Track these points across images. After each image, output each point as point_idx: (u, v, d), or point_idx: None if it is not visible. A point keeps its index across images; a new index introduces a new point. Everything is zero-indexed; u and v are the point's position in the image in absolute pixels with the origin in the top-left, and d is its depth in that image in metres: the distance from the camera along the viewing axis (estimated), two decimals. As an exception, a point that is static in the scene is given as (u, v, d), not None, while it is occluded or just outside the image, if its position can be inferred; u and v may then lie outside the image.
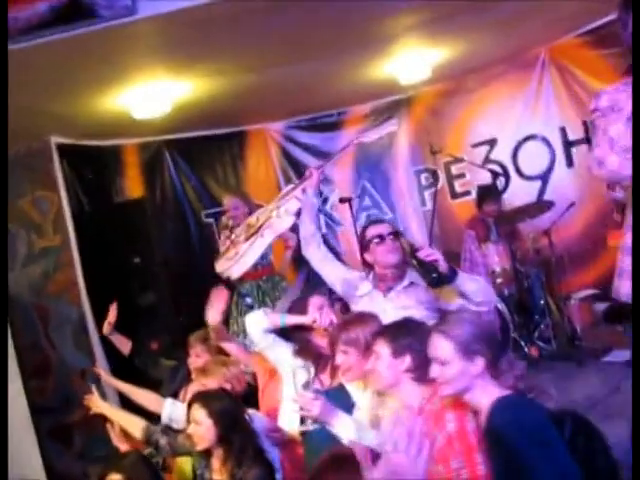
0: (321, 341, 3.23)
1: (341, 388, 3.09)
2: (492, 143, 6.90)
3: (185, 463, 3.50)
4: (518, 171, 6.80)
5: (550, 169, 6.66)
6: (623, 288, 2.52)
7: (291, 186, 3.98)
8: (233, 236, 4.21)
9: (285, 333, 3.36)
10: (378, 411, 2.72)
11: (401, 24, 5.26)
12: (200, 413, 3.03)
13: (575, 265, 6.07)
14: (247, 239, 3.97)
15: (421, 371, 2.58)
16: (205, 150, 6.94)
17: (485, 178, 6.47)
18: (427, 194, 7.26)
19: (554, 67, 6.50)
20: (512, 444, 2.16)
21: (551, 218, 5.79)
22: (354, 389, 2.98)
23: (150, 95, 5.23)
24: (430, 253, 3.04)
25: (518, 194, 6.66)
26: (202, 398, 3.10)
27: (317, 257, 3.58)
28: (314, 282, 3.91)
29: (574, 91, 6.41)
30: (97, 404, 3.65)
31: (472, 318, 2.54)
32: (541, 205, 5.94)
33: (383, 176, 7.30)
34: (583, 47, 6.25)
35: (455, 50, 6.00)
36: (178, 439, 3.32)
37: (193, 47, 4.63)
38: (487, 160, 6.90)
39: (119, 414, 3.63)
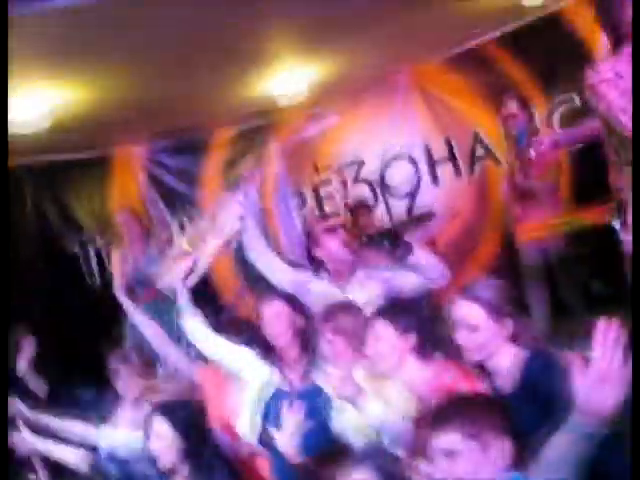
0: (283, 341, 3.12)
1: (316, 387, 2.99)
2: (360, 164, 7.06)
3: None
4: (387, 189, 6.99)
5: (417, 187, 6.91)
6: None
7: (230, 193, 3.87)
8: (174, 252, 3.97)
9: (242, 336, 3.22)
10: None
11: (274, 44, 5.32)
12: (163, 426, 2.79)
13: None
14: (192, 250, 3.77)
15: (426, 349, 2.56)
16: (69, 176, 6.53)
17: (355, 197, 6.60)
18: (295, 215, 7.27)
19: (418, 89, 6.77)
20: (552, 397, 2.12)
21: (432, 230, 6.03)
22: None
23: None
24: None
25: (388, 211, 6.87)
26: (164, 409, 2.85)
27: (263, 260, 3.49)
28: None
29: (437, 112, 6.73)
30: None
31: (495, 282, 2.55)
32: (422, 217, 6.18)
33: (253, 198, 7.22)
34: (446, 71, 6.56)
35: (327, 71, 6.11)
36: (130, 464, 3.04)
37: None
38: (356, 180, 7.05)
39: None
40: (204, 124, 6.89)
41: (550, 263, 5.13)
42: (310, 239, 3.54)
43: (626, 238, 3.05)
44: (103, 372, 3.79)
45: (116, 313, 5.63)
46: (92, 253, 6.60)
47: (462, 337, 2.39)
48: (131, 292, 5.13)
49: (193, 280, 3.36)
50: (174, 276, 3.34)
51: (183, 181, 6.94)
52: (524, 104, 5.27)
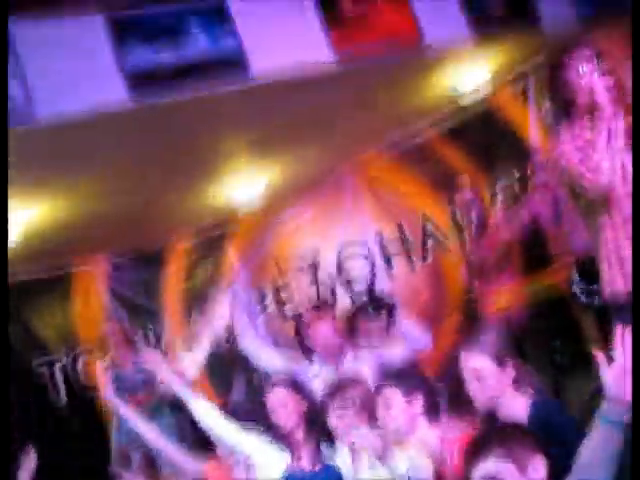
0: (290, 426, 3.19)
1: (328, 467, 3.06)
2: (316, 265, 7.24)
3: None
4: (347, 286, 7.16)
5: (373, 277, 7.11)
6: None
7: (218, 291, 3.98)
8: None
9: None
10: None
11: (228, 156, 5.59)
12: None
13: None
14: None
15: (434, 411, 2.68)
16: (31, 295, 6.53)
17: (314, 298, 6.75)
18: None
19: (366, 185, 7.01)
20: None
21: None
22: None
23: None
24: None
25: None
26: None
27: (255, 349, 3.60)
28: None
29: (385, 201, 7.00)
30: None
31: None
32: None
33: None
34: (392, 164, 6.82)
35: (279, 177, 6.38)
36: None
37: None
38: (315, 281, 7.21)
39: None
40: (163, 236, 7.03)
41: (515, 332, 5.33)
42: (300, 328, 3.70)
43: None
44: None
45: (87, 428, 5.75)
46: (58, 371, 6.53)
47: (473, 388, 2.53)
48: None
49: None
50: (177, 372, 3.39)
51: (144, 293, 6.99)
52: (475, 190, 5.56)
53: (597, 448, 1.93)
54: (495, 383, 2.52)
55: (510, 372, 2.56)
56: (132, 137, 4.66)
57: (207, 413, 3.37)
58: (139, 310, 6.94)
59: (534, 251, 5.70)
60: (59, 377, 6.58)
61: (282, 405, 3.20)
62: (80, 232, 5.95)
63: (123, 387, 5.26)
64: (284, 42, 4.32)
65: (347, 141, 6.10)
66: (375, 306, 3.40)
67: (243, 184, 6.21)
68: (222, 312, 3.73)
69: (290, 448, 3.21)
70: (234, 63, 4.24)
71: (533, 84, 5.77)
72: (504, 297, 5.07)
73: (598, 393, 2.01)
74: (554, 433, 2.36)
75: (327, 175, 6.82)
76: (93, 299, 6.91)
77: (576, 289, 3.87)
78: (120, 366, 5.55)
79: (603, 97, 2.89)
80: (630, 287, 2.84)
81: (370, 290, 7.14)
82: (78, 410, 6.50)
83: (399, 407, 2.76)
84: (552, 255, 5.23)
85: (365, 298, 6.84)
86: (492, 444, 1.99)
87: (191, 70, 4.12)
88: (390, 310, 3.42)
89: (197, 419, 3.40)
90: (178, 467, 3.71)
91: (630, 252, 2.82)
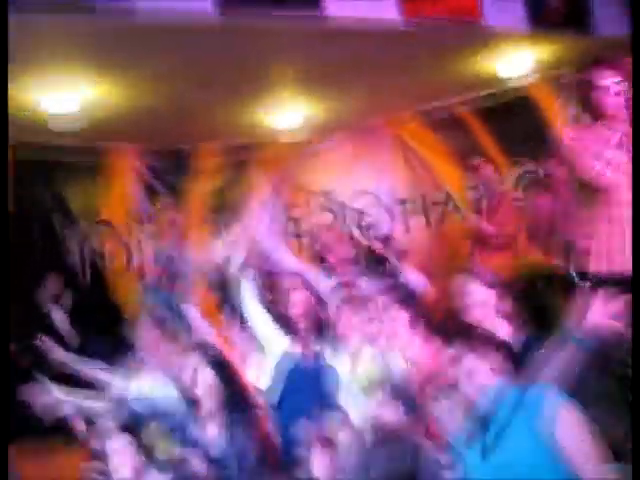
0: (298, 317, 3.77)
1: (323, 362, 3.69)
2: (332, 195, 7.73)
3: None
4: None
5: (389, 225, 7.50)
6: None
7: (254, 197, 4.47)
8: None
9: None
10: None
11: (274, 83, 5.98)
12: (209, 376, 3.39)
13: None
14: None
15: (429, 333, 3.29)
16: (66, 165, 7.03)
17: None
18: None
19: (396, 139, 7.48)
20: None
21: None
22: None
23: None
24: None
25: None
26: (211, 362, 3.47)
27: (280, 251, 4.21)
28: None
29: (414, 168, 7.49)
30: None
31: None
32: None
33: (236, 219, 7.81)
34: (426, 129, 7.30)
35: (320, 112, 6.84)
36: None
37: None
38: (326, 209, 7.73)
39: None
40: (200, 143, 7.51)
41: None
42: (321, 245, 4.28)
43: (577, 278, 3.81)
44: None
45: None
46: (86, 250, 7.09)
47: (475, 313, 3.13)
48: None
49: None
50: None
51: (166, 186, 7.50)
52: (491, 162, 6.05)
53: (564, 362, 2.59)
54: (483, 304, 3.11)
55: (506, 303, 3.16)
56: (200, 47, 5.07)
57: (248, 290, 3.92)
58: (163, 204, 7.39)
59: (540, 235, 6.31)
60: (78, 242, 7.11)
61: (292, 293, 3.78)
62: (127, 121, 6.41)
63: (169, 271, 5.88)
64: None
65: (389, 97, 6.56)
66: (386, 249, 3.96)
67: (286, 113, 6.65)
68: (256, 222, 4.23)
69: (295, 337, 3.79)
70: (313, 2, 4.69)
71: (569, 86, 6.26)
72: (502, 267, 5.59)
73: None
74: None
75: (363, 124, 7.25)
76: (121, 178, 7.37)
77: (572, 272, 4.38)
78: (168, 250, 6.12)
79: (620, 111, 3.43)
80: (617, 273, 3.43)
81: (384, 236, 7.66)
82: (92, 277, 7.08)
83: (404, 325, 3.35)
84: (556, 240, 5.65)
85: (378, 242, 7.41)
86: (471, 346, 2.60)
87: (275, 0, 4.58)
88: (398, 255, 3.98)
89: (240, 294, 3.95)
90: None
91: (622, 243, 3.41)
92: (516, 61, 6.05)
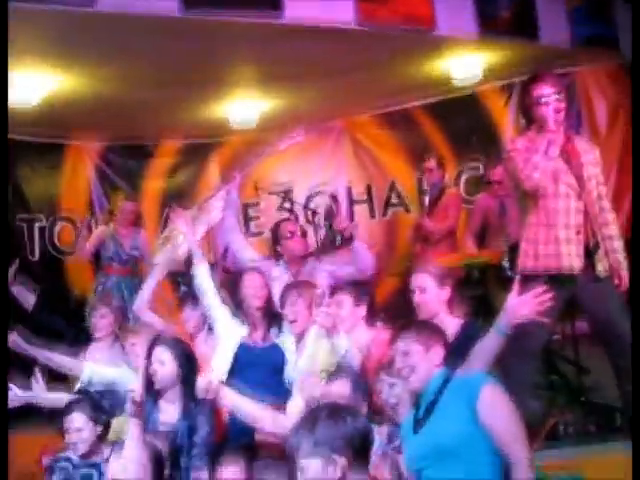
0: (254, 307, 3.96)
1: (275, 345, 3.84)
2: (287, 193, 7.94)
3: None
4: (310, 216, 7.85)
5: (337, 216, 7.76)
6: None
7: (215, 190, 4.64)
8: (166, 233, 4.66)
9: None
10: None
11: (232, 75, 6.17)
12: (166, 355, 3.55)
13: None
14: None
15: (372, 319, 3.51)
16: (25, 156, 7.08)
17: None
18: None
19: (348, 136, 7.77)
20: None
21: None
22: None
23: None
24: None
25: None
26: (166, 341, 3.62)
27: (239, 243, 4.36)
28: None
29: (361, 159, 7.76)
30: None
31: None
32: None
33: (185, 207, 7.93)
34: (375, 125, 7.61)
35: (281, 107, 7.02)
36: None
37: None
38: (281, 207, 7.92)
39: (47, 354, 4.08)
40: (157, 134, 7.63)
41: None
42: (274, 237, 4.50)
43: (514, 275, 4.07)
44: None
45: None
46: (36, 230, 7.15)
47: (416, 297, 3.40)
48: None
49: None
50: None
51: (126, 180, 7.61)
52: (440, 163, 6.31)
53: (487, 348, 2.88)
54: (434, 297, 3.35)
55: (447, 292, 3.40)
56: (161, 41, 5.21)
57: (205, 276, 4.09)
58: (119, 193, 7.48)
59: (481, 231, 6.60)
60: (36, 236, 7.18)
61: (251, 286, 3.95)
62: (86, 110, 6.49)
63: (119, 256, 6.09)
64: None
65: (345, 96, 6.81)
66: (334, 235, 4.20)
67: (244, 110, 6.81)
68: (216, 212, 4.40)
69: (249, 323, 3.98)
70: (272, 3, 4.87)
71: (513, 92, 6.59)
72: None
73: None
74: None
75: (319, 122, 7.47)
76: (81, 173, 7.50)
77: (505, 263, 4.67)
78: (120, 237, 6.25)
79: (550, 119, 3.72)
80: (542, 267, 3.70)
81: (331, 225, 7.86)
82: (49, 268, 7.14)
83: (348, 308, 3.58)
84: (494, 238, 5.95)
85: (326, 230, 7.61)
86: (409, 329, 2.83)
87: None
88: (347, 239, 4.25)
89: (196, 279, 4.10)
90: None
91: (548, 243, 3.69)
92: (467, 65, 6.31)
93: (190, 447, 3.51)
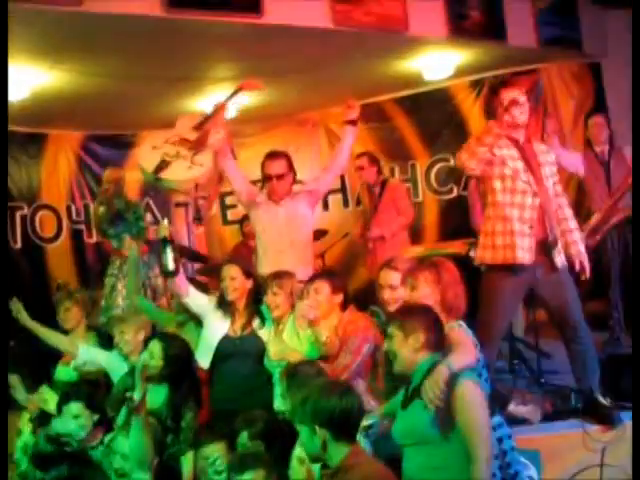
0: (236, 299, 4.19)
1: (253, 335, 4.11)
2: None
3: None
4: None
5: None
6: None
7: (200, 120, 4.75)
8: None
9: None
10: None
11: (215, 69, 6.38)
12: (157, 347, 3.80)
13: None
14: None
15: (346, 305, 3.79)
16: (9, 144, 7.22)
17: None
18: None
19: (323, 128, 8.01)
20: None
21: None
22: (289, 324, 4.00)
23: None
24: None
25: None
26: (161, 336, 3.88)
27: (232, 168, 4.70)
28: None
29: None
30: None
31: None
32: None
33: (166, 196, 8.14)
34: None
35: (252, 98, 7.21)
36: None
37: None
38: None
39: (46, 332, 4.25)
40: (134, 125, 7.79)
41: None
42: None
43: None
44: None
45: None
46: (18, 218, 7.32)
47: (385, 294, 3.64)
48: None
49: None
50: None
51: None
52: (373, 160, 6.45)
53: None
54: (401, 293, 3.59)
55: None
56: (145, 38, 5.39)
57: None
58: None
59: (449, 222, 6.90)
60: (18, 224, 7.34)
61: (229, 278, 4.13)
62: (67, 103, 6.64)
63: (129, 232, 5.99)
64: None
65: (319, 90, 7.04)
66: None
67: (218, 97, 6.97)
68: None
69: (231, 315, 4.19)
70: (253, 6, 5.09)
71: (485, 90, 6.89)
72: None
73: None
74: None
75: (296, 116, 7.71)
76: (62, 162, 7.66)
77: (472, 254, 4.94)
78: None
79: (508, 117, 4.00)
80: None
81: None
82: (30, 256, 7.33)
83: (325, 295, 3.83)
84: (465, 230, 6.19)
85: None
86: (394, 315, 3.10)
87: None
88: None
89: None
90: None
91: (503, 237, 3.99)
92: (439, 62, 6.56)
93: (176, 431, 3.75)
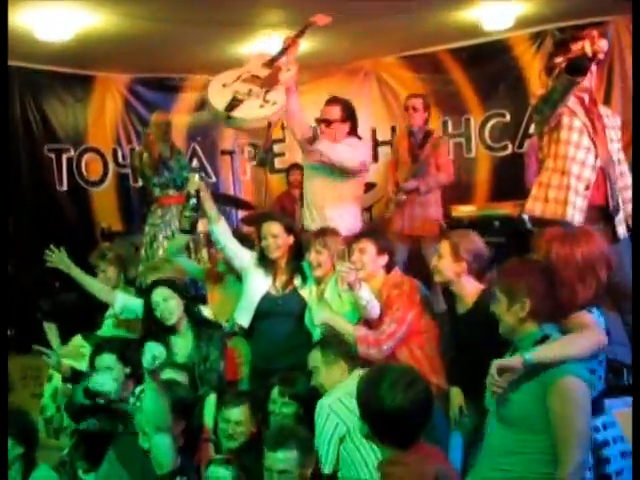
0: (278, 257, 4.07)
1: (295, 293, 3.99)
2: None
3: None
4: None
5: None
6: None
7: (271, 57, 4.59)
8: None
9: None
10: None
11: (264, 15, 6.17)
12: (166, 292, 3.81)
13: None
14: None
15: (391, 267, 3.66)
16: (52, 86, 7.19)
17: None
18: (249, 166, 8.18)
19: (375, 77, 7.74)
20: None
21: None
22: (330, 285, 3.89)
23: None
24: None
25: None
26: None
27: (296, 104, 4.54)
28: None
29: (387, 101, 7.76)
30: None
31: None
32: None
33: (212, 143, 8.04)
34: (402, 67, 7.58)
35: (304, 45, 6.98)
36: None
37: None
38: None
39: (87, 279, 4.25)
40: (182, 69, 7.65)
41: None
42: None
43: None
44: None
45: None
46: (64, 161, 7.29)
47: (433, 262, 3.51)
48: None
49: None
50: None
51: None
52: (427, 105, 6.03)
53: None
54: (449, 262, 3.44)
55: (466, 260, 3.45)
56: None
57: (222, 234, 4.12)
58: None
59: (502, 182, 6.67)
60: (64, 165, 7.31)
61: (271, 235, 4.02)
62: (113, 45, 6.56)
63: (172, 182, 5.87)
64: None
65: (375, 41, 6.83)
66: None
67: (269, 47, 6.79)
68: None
69: (272, 272, 4.10)
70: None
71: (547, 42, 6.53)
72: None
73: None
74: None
75: (345, 61, 7.45)
76: (108, 105, 7.58)
77: (524, 216, 4.69)
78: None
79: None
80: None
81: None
82: (75, 199, 7.31)
83: (370, 256, 3.71)
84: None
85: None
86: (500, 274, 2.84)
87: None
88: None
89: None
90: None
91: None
92: (499, 14, 6.26)
93: (203, 374, 3.81)
